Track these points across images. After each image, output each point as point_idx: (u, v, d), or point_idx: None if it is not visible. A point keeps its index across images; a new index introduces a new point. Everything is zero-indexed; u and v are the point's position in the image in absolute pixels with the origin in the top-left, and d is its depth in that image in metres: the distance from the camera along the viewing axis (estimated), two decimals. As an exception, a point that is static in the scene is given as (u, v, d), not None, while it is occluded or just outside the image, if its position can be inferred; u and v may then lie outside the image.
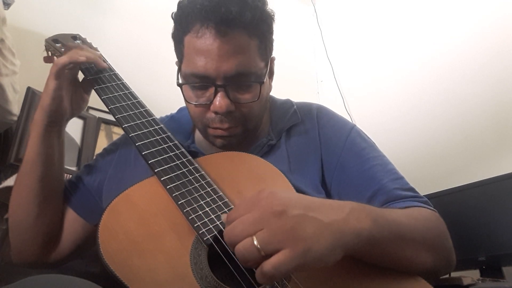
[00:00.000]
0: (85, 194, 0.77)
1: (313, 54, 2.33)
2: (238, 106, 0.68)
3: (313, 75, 2.29)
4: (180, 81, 0.70)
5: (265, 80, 0.69)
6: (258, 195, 0.47)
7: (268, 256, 0.42)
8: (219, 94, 0.65)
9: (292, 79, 1.97)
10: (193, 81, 0.67)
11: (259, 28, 0.67)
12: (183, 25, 0.67)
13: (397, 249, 0.53)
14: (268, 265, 0.42)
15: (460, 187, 1.24)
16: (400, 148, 1.66)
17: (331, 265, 0.45)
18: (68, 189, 0.78)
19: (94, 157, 0.85)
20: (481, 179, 1.19)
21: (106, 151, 0.83)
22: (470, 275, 1.01)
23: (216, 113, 0.67)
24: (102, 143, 1.40)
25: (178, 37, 0.69)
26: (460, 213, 1.19)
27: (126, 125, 0.67)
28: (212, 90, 0.66)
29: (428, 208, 0.65)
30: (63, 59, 0.68)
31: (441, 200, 1.23)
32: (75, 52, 0.71)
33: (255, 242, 0.42)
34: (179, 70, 0.71)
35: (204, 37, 0.64)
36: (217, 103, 0.65)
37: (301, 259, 0.42)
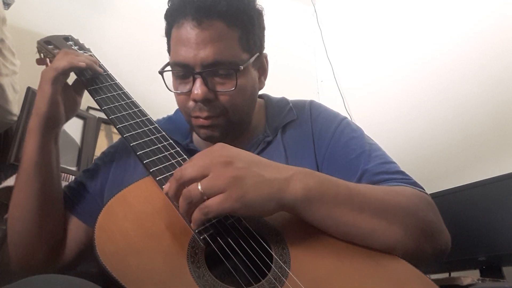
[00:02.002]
0: (87, 200, 0.76)
1: (313, 54, 2.33)
2: (217, 95, 0.68)
3: (313, 75, 2.29)
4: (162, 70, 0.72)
5: (241, 68, 0.68)
6: (212, 147, 0.54)
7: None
8: (197, 82, 0.67)
9: (292, 79, 1.97)
10: (176, 70, 0.69)
11: (239, 18, 0.68)
12: (169, 20, 0.70)
13: (344, 214, 0.53)
14: (204, 205, 0.49)
15: (460, 187, 1.23)
16: (400, 148, 1.66)
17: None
18: (69, 195, 0.77)
19: (93, 162, 0.83)
20: (481, 179, 1.19)
21: (105, 155, 0.83)
22: (470, 275, 1.01)
23: (195, 101, 0.68)
24: (102, 143, 1.40)
25: (168, 32, 0.72)
26: (460, 213, 1.19)
27: (120, 125, 0.67)
28: (192, 78, 0.68)
29: (412, 187, 0.63)
30: (63, 63, 0.68)
31: (441, 200, 1.22)
32: (73, 57, 0.70)
33: (199, 187, 0.49)
34: (168, 63, 0.73)
35: (183, 26, 0.67)
36: (195, 90, 0.67)
37: (233, 203, 0.49)
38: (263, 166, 0.53)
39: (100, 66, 0.77)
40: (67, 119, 0.74)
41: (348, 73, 2.11)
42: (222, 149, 0.53)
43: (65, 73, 0.69)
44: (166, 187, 0.54)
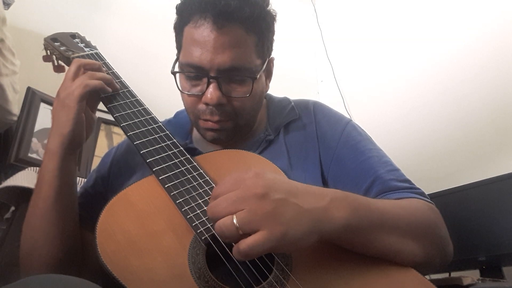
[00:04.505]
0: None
1: (313, 54, 2.33)
2: (230, 100, 0.68)
3: (313, 75, 2.29)
4: (175, 70, 0.71)
5: (258, 77, 0.69)
6: (244, 174, 0.49)
7: (246, 235, 0.45)
8: (211, 86, 0.66)
9: (292, 79, 1.97)
10: (188, 70, 0.68)
11: (258, 25, 0.67)
12: (184, 15, 0.68)
13: (378, 238, 0.54)
14: (244, 244, 0.45)
15: (460, 187, 1.23)
16: (400, 148, 1.66)
17: (331, 265, 0.48)
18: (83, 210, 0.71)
19: (104, 170, 0.80)
20: (481, 179, 1.19)
21: (113, 161, 0.80)
22: (470, 275, 1.01)
23: (207, 104, 0.67)
24: (102, 143, 1.40)
25: (179, 28, 0.70)
26: (460, 213, 1.19)
27: (124, 123, 0.67)
28: (205, 81, 0.67)
29: (422, 199, 0.65)
30: (95, 83, 0.64)
31: (441, 200, 1.22)
32: (102, 78, 0.67)
33: (235, 221, 0.45)
34: (176, 60, 0.72)
35: (202, 28, 0.65)
36: (209, 94, 0.66)
37: (276, 242, 0.45)
38: (300, 194, 0.50)
39: (121, 82, 0.73)
40: (87, 138, 0.69)
41: (348, 73, 2.11)
42: (256, 178, 0.48)
43: (93, 91, 0.65)
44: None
